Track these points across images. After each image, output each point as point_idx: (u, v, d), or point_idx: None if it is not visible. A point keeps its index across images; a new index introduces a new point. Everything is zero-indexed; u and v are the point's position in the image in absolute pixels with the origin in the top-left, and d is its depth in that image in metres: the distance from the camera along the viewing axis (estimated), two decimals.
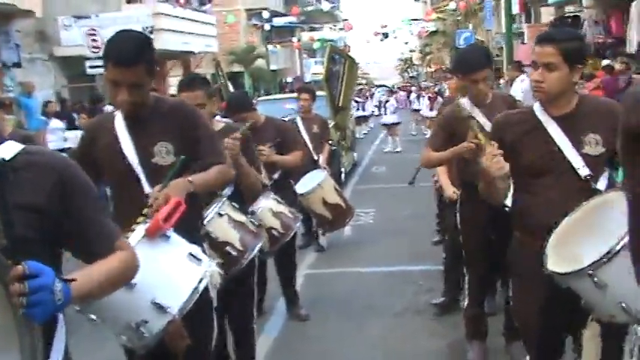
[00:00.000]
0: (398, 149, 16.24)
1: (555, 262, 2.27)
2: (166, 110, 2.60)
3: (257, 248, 3.18)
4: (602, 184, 2.49)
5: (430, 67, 40.26)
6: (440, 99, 20.31)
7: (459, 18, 28.43)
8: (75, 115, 12.21)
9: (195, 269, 2.32)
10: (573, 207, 2.37)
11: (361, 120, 20.83)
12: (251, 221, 3.26)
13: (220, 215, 3.04)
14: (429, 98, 18.06)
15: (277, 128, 4.66)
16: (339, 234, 6.57)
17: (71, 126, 11.41)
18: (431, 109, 16.91)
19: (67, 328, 1.57)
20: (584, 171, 2.47)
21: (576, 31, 2.85)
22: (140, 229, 2.30)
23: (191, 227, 2.53)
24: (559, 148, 2.50)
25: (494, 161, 2.40)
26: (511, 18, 15.95)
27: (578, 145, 2.50)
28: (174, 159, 2.54)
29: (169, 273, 2.28)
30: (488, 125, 3.52)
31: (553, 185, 2.49)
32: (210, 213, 3.01)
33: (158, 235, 2.29)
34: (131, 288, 2.08)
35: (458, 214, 3.84)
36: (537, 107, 2.59)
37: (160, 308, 2.13)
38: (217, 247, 3.00)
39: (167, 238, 2.33)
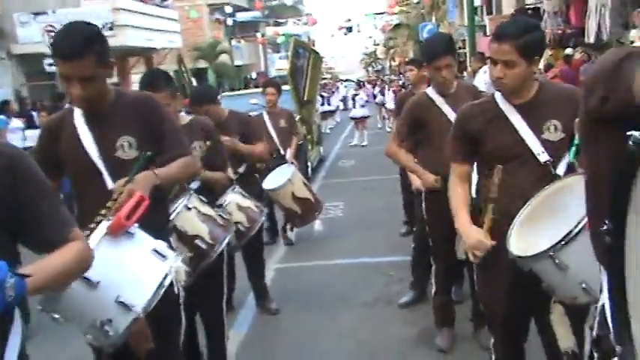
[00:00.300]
0: (364, 143, 16.31)
1: (518, 247, 2.30)
2: (129, 104, 2.55)
3: (226, 241, 3.15)
4: (561, 169, 2.53)
5: (394, 60, 40.50)
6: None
7: (423, 11, 28.64)
8: (34, 114, 11.95)
9: (160, 265, 2.28)
10: (535, 192, 2.41)
11: (327, 114, 20.85)
12: (219, 214, 3.23)
13: (188, 209, 3.00)
14: (394, 92, 18.20)
15: (241, 121, 4.65)
16: (309, 228, 6.57)
17: (31, 125, 11.17)
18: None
19: (32, 327, 1.54)
20: (544, 157, 2.51)
21: (532, 21, 2.86)
22: (102, 227, 2.26)
23: (157, 222, 2.49)
24: (520, 136, 2.54)
25: (479, 250, 2.48)
26: (473, 10, 16.12)
27: (538, 131, 2.54)
28: (137, 153, 2.50)
29: (133, 270, 2.24)
30: (452, 115, 3.57)
31: (516, 172, 2.52)
32: (178, 207, 2.97)
33: (121, 233, 2.25)
34: (95, 286, 2.04)
35: (423, 205, 3.87)
36: (499, 96, 2.62)
37: (125, 306, 2.09)
38: (186, 241, 2.97)
39: (131, 235, 2.28)
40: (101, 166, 2.49)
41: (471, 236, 2.54)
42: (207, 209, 3.16)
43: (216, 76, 26.62)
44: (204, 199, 3.18)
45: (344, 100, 26.15)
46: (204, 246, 3.01)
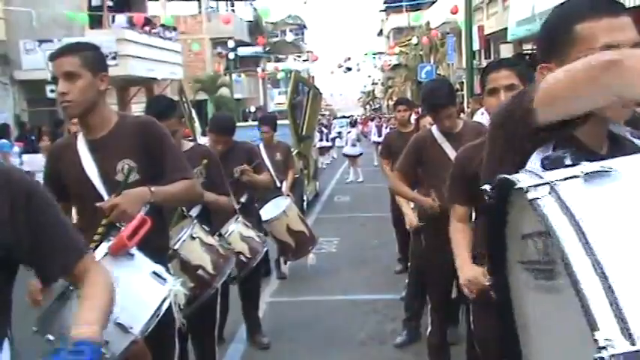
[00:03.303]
0: (360, 179, 16.36)
1: None
2: (131, 127, 2.59)
3: (228, 271, 3.15)
4: None
5: (392, 99, 40.89)
6: None
7: (421, 52, 29.06)
8: (33, 139, 11.99)
9: (159, 288, 2.27)
10: None
11: (324, 150, 20.96)
12: (221, 245, 3.23)
13: (193, 238, 3.01)
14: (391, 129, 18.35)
15: (248, 152, 4.70)
16: (302, 262, 6.54)
17: (29, 149, 11.19)
18: None
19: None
20: None
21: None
22: (103, 246, 2.25)
23: (156, 245, 2.49)
24: None
25: (474, 285, 2.52)
26: (472, 54, 16.35)
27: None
28: (138, 177, 2.51)
29: (132, 292, 2.22)
30: (453, 154, 3.60)
31: None
32: (182, 235, 2.97)
33: (122, 253, 2.24)
34: None
35: (421, 238, 3.88)
36: None
37: (122, 328, 2.07)
38: (189, 270, 2.96)
39: (131, 257, 2.28)
40: (102, 190, 2.51)
41: (468, 273, 2.55)
42: (210, 239, 3.17)
43: (215, 108, 26.79)
44: (206, 227, 3.19)
45: (338, 136, 26.33)
46: (206, 276, 3.00)
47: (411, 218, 4.76)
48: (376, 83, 56.81)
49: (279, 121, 7.10)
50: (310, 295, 6.23)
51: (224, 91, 28.43)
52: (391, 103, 43.17)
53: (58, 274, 1.64)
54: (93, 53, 2.52)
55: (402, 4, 42.42)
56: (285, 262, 6.88)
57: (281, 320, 5.47)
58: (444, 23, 25.27)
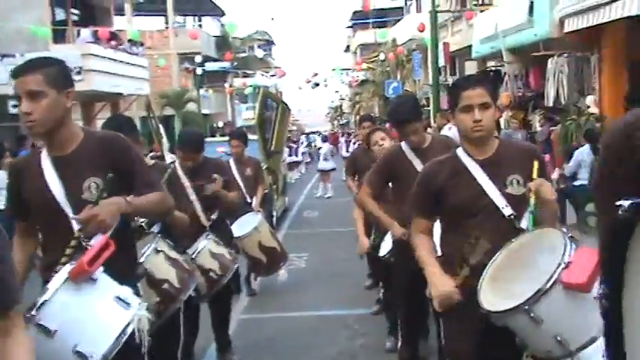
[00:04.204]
0: (328, 194, 16.39)
1: (490, 302, 2.32)
2: (96, 144, 2.53)
3: (193, 286, 3.12)
4: (524, 222, 2.59)
5: (359, 115, 41.17)
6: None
7: (388, 69, 29.36)
8: None
9: (122, 313, 2.22)
10: (500, 247, 2.46)
11: (293, 165, 20.97)
12: (185, 260, 3.20)
13: (157, 252, 2.97)
14: (359, 145, 18.48)
15: (216, 167, 4.66)
16: (272, 278, 6.51)
17: None
18: None
19: None
20: (507, 210, 2.57)
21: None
22: (64, 271, 2.20)
23: (124, 266, 2.45)
24: (483, 190, 2.60)
25: (445, 301, 2.56)
26: (438, 70, 16.65)
27: (501, 185, 2.61)
28: (105, 195, 2.46)
29: (93, 318, 2.17)
30: (420, 167, 3.65)
31: (480, 225, 2.57)
32: (147, 250, 2.93)
33: (83, 279, 2.19)
34: (52, 335, 1.98)
35: (392, 249, 3.90)
36: (461, 152, 2.70)
37: (83, 357, 2.02)
38: (154, 285, 2.92)
39: (93, 281, 2.22)
40: (67, 209, 2.44)
41: (440, 288, 2.57)
42: (174, 253, 3.14)
43: (183, 123, 26.59)
44: (170, 242, 3.16)
45: (306, 152, 26.41)
46: (172, 290, 2.97)
47: (363, 241, 4.80)
48: (344, 99, 57.13)
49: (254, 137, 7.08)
50: (281, 311, 6.19)
51: (191, 106, 28.25)
52: (358, 118, 43.56)
53: None
54: (57, 69, 2.45)
55: (368, 21, 42.92)
56: (256, 279, 6.84)
57: (252, 337, 5.41)
58: (409, 40, 25.60)
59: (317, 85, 37.67)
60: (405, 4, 31.24)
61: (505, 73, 15.83)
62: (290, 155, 19.62)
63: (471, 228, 2.55)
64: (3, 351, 1.53)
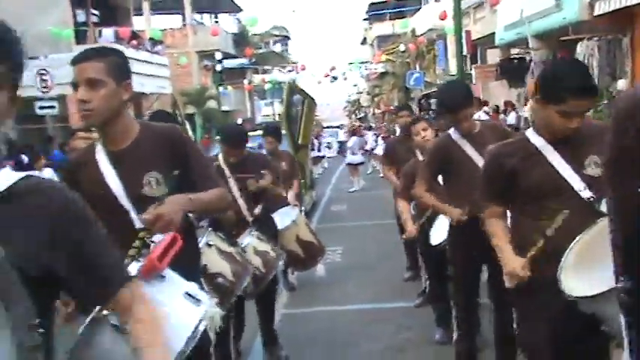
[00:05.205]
0: (355, 188, 16.30)
1: (574, 287, 2.21)
2: (154, 137, 2.45)
3: (247, 279, 3.05)
4: (604, 205, 2.47)
5: (379, 108, 40.99)
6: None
7: (408, 60, 29.15)
8: (23, 157, 11.78)
9: (194, 310, 2.14)
10: (580, 230, 2.35)
11: (316, 160, 20.88)
12: (237, 252, 3.13)
13: (209, 245, 2.91)
14: (383, 138, 18.37)
15: (261, 162, 4.62)
16: (309, 273, 6.43)
17: (17, 169, 10.97)
18: None
19: None
20: (586, 193, 2.45)
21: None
22: (133, 268, 2.13)
23: (187, 261, 2.37)
24: (558, 172, 2.49)
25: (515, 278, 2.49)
26: (462, 59, 16.40)
27: (578, 167, 2.49)
28: (165, 190, 2.39)
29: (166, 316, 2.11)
30: (475, 155, 3.54)
31: (556, 209, 2.46)
32: (199, 243, 2.87)
33: (153, 276, 2.12)
34: (125, 337, 1.91)
35: (448, 238, 3.79)
36: (531, 133, 2.58)
37: None
38: (208, 279, 2.85)
39: (162, 278, 2.15)
40: (127, 205, 2.38)
41: (510, 264, 2.51)
42: (226, 247, 3.08)
43: (203, 121, 26.67)
44: (222, 235, 3.09)
45: (328, 146, 26.33)
46: (226, 284, 2.90)
47: (410, 228, 4.71)
48: (361, 92, 56.90)
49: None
50: (323, 305, 6.11)
51: (211, 103, 28.31)
52: (378, 111, 43.33)
53: (96, 302, 1.53)
54: (118, 59, 2.39)
55: (385, 11, 42.65)
56: (293, 273, 6.77)
57: (296, 332, 5.34)
58: (429, 30, 25.37)
59: (335, 78, 37.58)
60: None
61: (530, 60, 15.59)
62: (312, 150, 19.54)
63: (546, 212, 2.44)
64: (137, 337, 1.49)
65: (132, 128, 2.46)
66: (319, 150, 21.74)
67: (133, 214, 2.38)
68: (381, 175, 15.57)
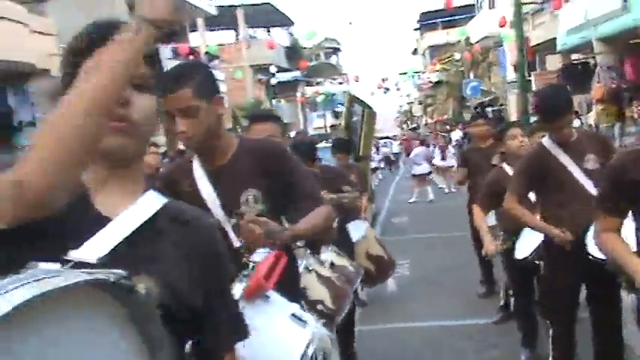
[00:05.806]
0: (430, 198, 15.81)
1: None
2: (251, 153, 2.33)
3: (347, 307, 2.90)
4: None
5: (433, 118, 40.53)
6: (451, 149, 20.39)
7: (462, 68, 28.72)
8: None
9: (301, 332, 2.01)
10: None
11: (373, 171, 20.69)
12: (337, 277, 2.99)
13: (309, 271, 2.77)
14: (440, 148, 18.04)
15: (337, 176, 4.52)
16: (378, 288, 6.26)
17: None
18: (442, 159, 16.85)
19: None
20: None
21: None
22: (236, 290, 2.02)
23: (289, 282, 2.25)
24: None
25: None
26: (524, 67, 15.98)
27: None
28: (263, 207, 2.28)
29: (274, 340, 1.97)
30: (572, 166, 3.33)
31: None
32: (299, 268, 2.74)
33: (258, 296, 2.00)
34: None
35: (546, 257, 3.57)
36: None
37: None
38: (310, 305, 2.72)
39: (267, 298, 2.03)
40: (225, 224, 2.26)
41: None
42: (325, 271, 2.94)
43: None
44: (320, 258, 2.96)
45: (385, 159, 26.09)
46: (327, 312, 2.74)
47: (489, 245, 4.43)
48: (412, 102, 56.49)
49: (323, 144, 7.04)
50: (397, 321, 5.93)
51: None
52: (430, 121, 42.85)
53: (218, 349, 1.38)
54: (203, 77, 2.22)
55: (436, 21, 42.27)
56: (362, 288, 6.61)
57: (375, 349, 5.16)
58: (485, 37, 24.92)
59: (388, 89, 37.41)
60: (477, 0, 30.48)
61: (595, 65, 15.05)
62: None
63: None
64: None
65: (230, 144, 2.35)
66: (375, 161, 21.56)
67: (231, 234, 2.27)
68: (453, 188, 15.18)
